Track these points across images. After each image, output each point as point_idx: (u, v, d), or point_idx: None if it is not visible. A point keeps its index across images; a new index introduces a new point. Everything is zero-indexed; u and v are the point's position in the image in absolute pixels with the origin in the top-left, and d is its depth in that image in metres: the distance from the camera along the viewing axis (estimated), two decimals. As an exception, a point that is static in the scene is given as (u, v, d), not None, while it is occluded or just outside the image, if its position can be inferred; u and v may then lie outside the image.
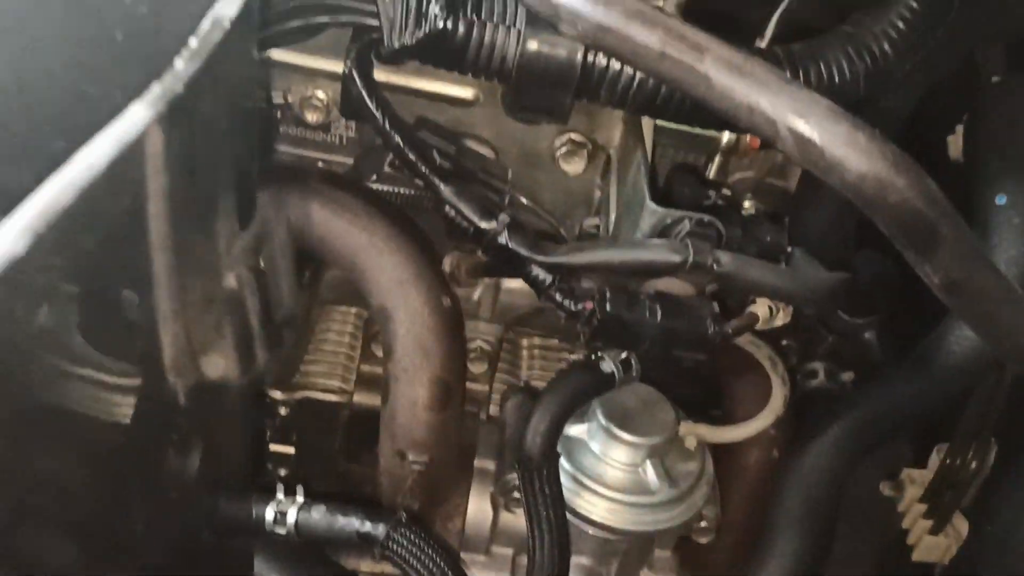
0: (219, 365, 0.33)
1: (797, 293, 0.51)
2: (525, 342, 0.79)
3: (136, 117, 0.23)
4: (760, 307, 0.53)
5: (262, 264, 0.35)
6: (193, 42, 0.27)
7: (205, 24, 0.28)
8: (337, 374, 0.72)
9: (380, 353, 0.72)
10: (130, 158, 0.23)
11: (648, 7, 0.38)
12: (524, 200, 0.60)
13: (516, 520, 0.66)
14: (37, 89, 0.35)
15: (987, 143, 0.61)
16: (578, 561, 0.66)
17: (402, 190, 0.64)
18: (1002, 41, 0.67)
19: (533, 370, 0.77)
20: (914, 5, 0.51)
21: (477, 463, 0.66)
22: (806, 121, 0.35)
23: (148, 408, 0.31)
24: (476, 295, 0.72)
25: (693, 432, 0.63)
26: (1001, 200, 0.58)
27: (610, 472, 0.62)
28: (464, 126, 0.60)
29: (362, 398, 0.73)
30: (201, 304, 0.30)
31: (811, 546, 0.64)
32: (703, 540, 0.65)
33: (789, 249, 0.55)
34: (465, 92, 0.58)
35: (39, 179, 0.37)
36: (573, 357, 0.76)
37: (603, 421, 0.62)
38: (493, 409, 0.74)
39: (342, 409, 0.73)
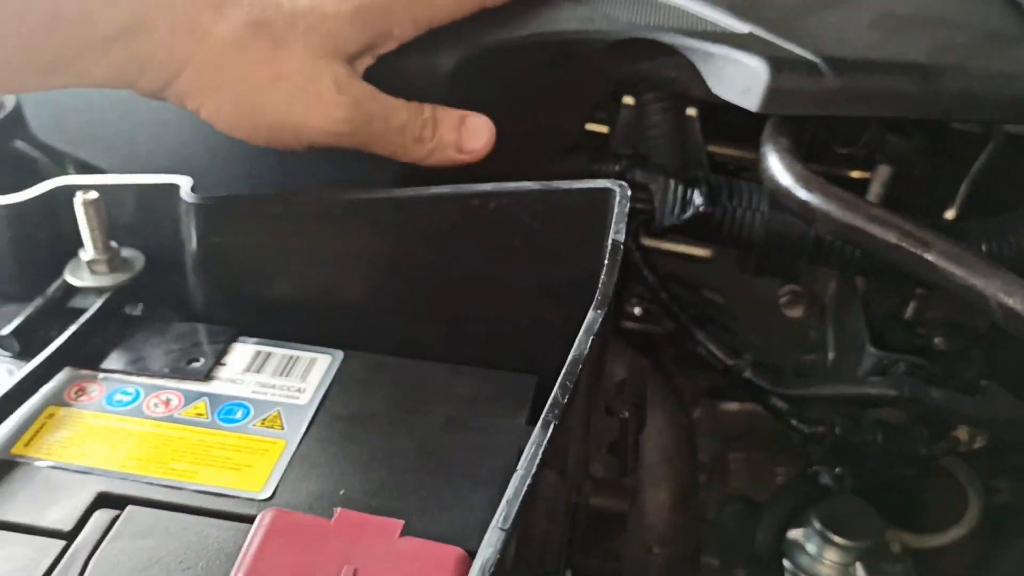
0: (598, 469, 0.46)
1: (995, 421, 0.62)
2: (732, 456, 0.90)
3: (595, 317, 0.38)
4: (962, 432, 0.64)
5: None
6: (606, 262, 0.41)
7: (608, 244, 0.42)
8: (576, 480, 0.86)
9: (610, 456, 0.85)
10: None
11: (884, 211, 0.51)
12: (750, 339, 0.73)
13: (736, 614, 0.77)
14: (450, 278, 0.51)
15: None
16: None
17: (639, 326, 0.77)
18: None
19: (741, 481, 0.88)
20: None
21: (704, 559, 0.78)
22: (1012, 299, 0.47)
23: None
24: (696, 414, 0.85)
25: (898, 538, 0.73)
26: None
27: (824, 572, 0.72)
28: (701, 279, 0.74)
29: (596, 501, 0.86)
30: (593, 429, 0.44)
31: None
32: (909, 638, 0.74)
33: (984, 383, 0.66)
34: (703, 252, 0.72)
35: (449, 332, 0.52)
36: (777, 469, 0.87)
37: (818, 527, 0.72)
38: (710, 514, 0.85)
39: (581, 510, 0.86)
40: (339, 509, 0.35)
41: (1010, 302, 0.47)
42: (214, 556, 0.38)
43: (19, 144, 0.78)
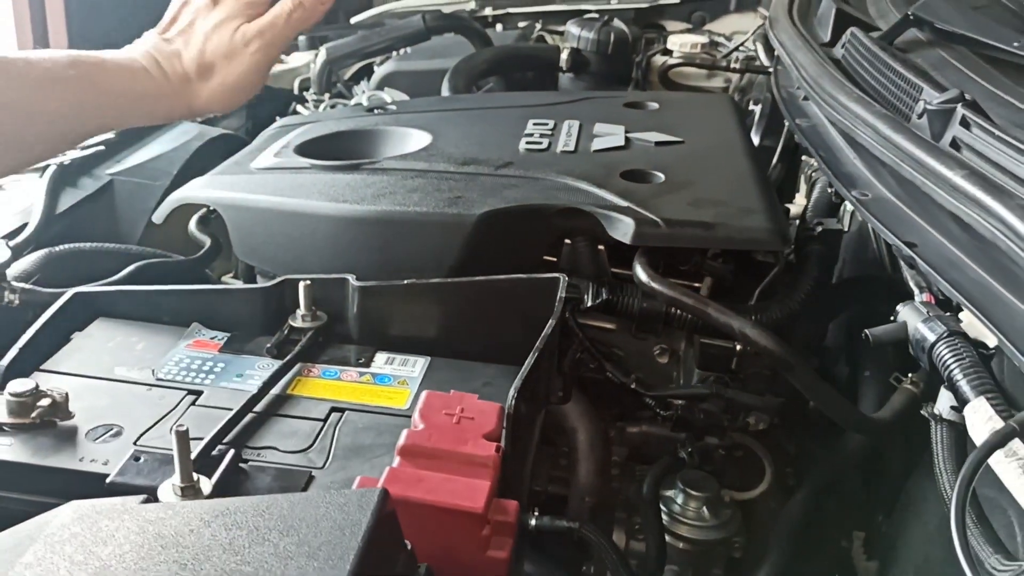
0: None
1: (765, 408, 1.15)
2: (637, 467, 1.42)
3: (553, 324, 0.92)
4: (752, 418, 1.17)
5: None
6: (556, 304, 0.96)
7: (558, 299, 0.97)
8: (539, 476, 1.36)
9: (563, 461, 1.36)
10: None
11: (684, 289, 1.07)
12: (637, 374, 1.27)
13: (635, 546, 1.26)
14: (484, 322, 1.04)
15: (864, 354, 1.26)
16: (670, 568, 1.25)
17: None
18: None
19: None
20: (808, 289, 1.18)
21: (617, 515, 1.28)
22: (744, 328, 1.02)
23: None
24: (611, 433, 1.37)
25: (728, 494, 1.24)
26: (867, 374, 1.23)
27: (686, 512, 1.23)
28: (609, 342, 1.28)
29: (552, 489, 1.36)
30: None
31: (788, 559, 1.22)
32: (737, 555, 1.25)
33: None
34: (610, 325, 1.26)
35: (483, 348, 1.05)
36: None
37: (681, 486, 1.24)
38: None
39: (541, 496, 1.36)
40: (453, 391, 0.88)
41: (744, 330, 1.03)
42: (391, 427, 0.90)
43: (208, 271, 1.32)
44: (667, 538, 1.21)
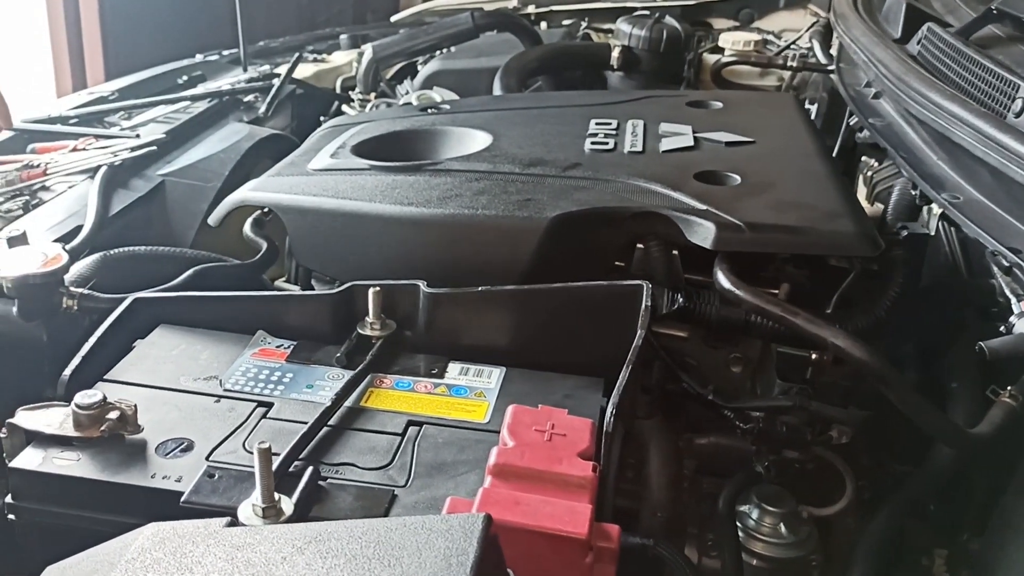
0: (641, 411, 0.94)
1: (849, 421, 1.10)
2: (704, 480, 1.37)
3: (641, 334, 0.87)
4: (834, 431, 1.12)
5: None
6: (642, 312, 0.91)
7: (642, 308, 0.92)
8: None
9: (629, 473, 1.31)
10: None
11: (771, 298, 1.01)
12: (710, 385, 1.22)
13: (708, 563, 1.21)
14: (561, 332, 0.99)
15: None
16: (744, 586, 1.20)
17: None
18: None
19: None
20: (894, 295, 1.13)
21: (688, 530, 1.23)
22: (838, 339, 0.97)
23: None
24: (680, 444, 1.32)
25: (805, 510, 1.19)
26: (954, 386, 1.17)
27: (762, 528, 1.18)
28: (681, 351, 1.23)
29: (619, 502, 1.31)
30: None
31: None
32: (815, 574, 1.19)
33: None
34: (683, 333, 1.21)
35: (559, 359, 1.00)
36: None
37: (757, 501, 1.19)
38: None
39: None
40: (541, 405, 0.83)
41: (836, 341, 0.98)
42: (473, 443, 0.85)
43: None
44: (742, 555, 1.16)
